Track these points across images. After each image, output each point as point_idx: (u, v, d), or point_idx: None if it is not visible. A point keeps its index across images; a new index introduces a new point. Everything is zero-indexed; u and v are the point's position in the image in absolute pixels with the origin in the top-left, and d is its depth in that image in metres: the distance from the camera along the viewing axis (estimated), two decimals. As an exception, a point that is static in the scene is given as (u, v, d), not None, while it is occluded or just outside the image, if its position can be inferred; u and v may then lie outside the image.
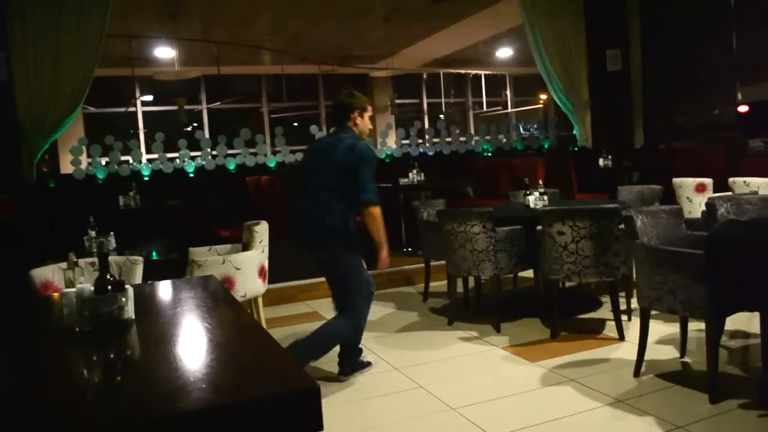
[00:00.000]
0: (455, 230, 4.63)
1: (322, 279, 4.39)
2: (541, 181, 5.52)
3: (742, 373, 3.54)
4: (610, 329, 4.35)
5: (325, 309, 5.16)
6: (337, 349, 3.79)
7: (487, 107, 15.21)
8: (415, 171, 7.06)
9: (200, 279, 2.66)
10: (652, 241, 3.58)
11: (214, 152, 7.50)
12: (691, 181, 6.06)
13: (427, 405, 3.37)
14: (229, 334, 1.75)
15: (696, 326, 3.84)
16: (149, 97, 12.84)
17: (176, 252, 4.74)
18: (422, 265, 5.75)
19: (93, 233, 4.13)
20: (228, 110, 13.63)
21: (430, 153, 8.45)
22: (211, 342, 1.71)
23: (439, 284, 5.78)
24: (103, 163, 6.97)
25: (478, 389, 3.53)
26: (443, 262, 5.08)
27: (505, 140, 8.92)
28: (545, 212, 4.35)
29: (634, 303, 3.92)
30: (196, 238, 5.38)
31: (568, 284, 5.61)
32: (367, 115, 3.76)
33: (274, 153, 7.87)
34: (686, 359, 3.73)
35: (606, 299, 4.94)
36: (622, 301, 4.64)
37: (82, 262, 2.91)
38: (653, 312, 4.48)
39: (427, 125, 13.32)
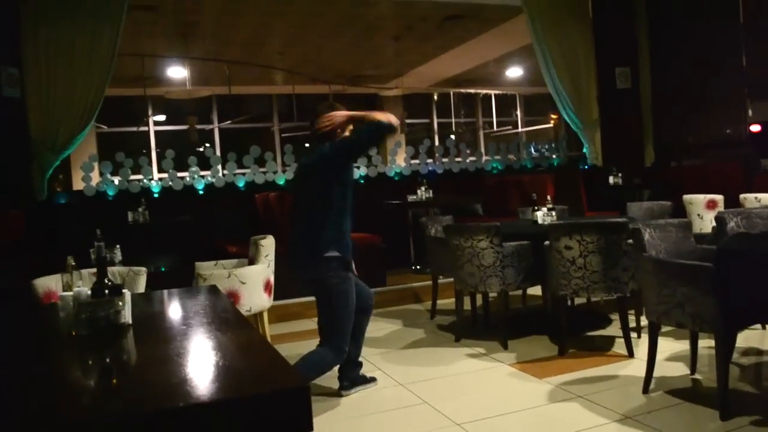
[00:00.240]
0: (462, 245, 4.60)
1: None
2: (549, 197, 5.49)
3: (754, 390, 3.46)
4: (620, 346, 4.27)
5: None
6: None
7: (497, 127, 15.23)
8: (423, 188, 7.06)
9: (199, 288, 2.64)
10: (661, 254, 3.53)
11: (224, 171, 7.54)
12: (701, 198, 6.01)
13: (431, 420, 3.32)
14: (222, 336, 1.73)
15: (707, 343, 3.77)
16: (162, 117, 12.98)
17: (182, 266, 4.73)
18: (430, 282, 5.71)
19: (105, 253, 4.13)
20: (239, 130, 13.74)
21: (439, 171, 8.45)
22: (204, 343, 1.69)
23: (447, 302, 5.74)
24: (116, 182, 7.02)
25: (484, 405, 3.47)
26: (451, 279, 5.04)
27: (515, 159, 8.92)
28: (552, 226, 4.32)
29: (644, 320, 3.85)
30: (203, 253, 5.38)
31: (577, 302, 5.57)
32: (350, 129, 3.50)
33: (284, 170, 7.90)
34: (697, 376, 3.66)
35: (616, 317, 4.87)
36: (632, 318, 4.59)
37: (85, 272, 2.91)
38: (664, 329, 4.45)
39: (437, 145, 13.34)
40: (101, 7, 6.42)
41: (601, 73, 8.48)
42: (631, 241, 3.91)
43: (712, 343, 3.25)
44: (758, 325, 4.37)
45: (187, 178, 7.35)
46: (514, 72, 13.39)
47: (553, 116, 14.14)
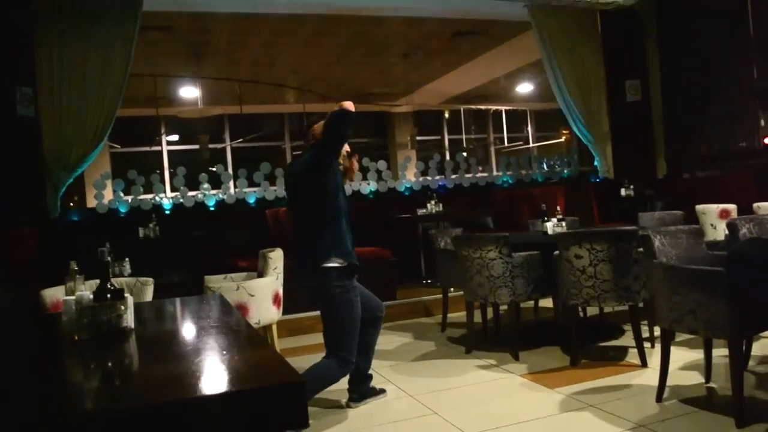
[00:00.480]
0: (471, 256, 4.57)
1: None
2: (559, 208, 5.46)
3: (771, 399, 3.39)
4: (633, 356, 4.21)
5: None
6: (347, 375, 3.70)
7: (508, 143, 15.21)
8: (433, 202, 7.05)
9: (204, 296, 2.64)
10: (671, 261, 3.48)
11: (235, 188, 7.58)
12: (714, 208, 5.94)
13: (441, 431, 3.27)
14: (221, 335, 1.72)
15: (722, 352, 3.70)
16: (175, 137, 13.10)
17: (192, 280, 4.74)
18: (441, 296, 5.67)
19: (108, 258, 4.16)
20: (251, 149, 13.82)
21: (450, 186, 8.44)
22: (203, 342, 1.68)
23: (458, 315, 5.69)
24: (128, 200, 7.07)
25: (494, 415, 3.42)
26: (462, 292, 5.00)
27: (525, 173, 8.90)
28: (561, 235, 4.28)
29: (658, 330, 3.79)
30: (214, 268, 5.39)
31: (590, 313, 5.51)
32: None
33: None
34: (712, 384, 3.59)
35: (629, 327, 4.81)
36: (646, 329, 4.53)
37: (92, 283, 2.92)
38: (678, 339, 4.40)
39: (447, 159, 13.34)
40: (114, 27, 6.52)
41: (611, 86, 8.46)
42: (642, 249, 3.87)
43: (726, 351, 3.19)
44: (774, 334, 4.29)
45: (199, 195, 7.40)
46: (525, 88, 13.41)
47: (565, 132, 14.12)
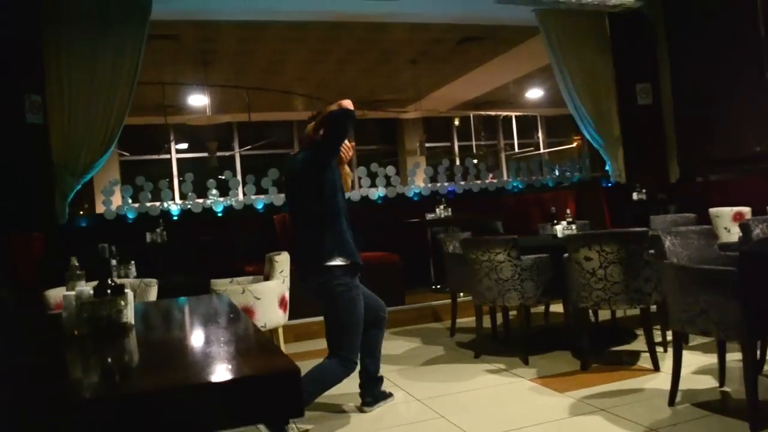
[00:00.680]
0: (479, 259, 4.52)
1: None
2: (569, 212, 5.40)
3: (787, 402, 3.31)
4: (645, 360, 4.14)
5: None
6: (357, 380, 3.66)
7: (519, 148, 15.16)
8: (442, 206, 7.00)
9: (207, 296, 2.62)
10: (682, 261, 3.42)
11: (243, 194, 7.58)
12: (728, 211, 5.86)
13: (448, 434, 3.22)
14: (221, 330, 1.70)
15: (737, 356, 3.62)
16: (184, 145, 13.15)
17: (197, 283, 4.71)
18: (450, 301, 5.61)
19: (114, 261, 4.16)
20: (260, 156, 13.85)
21: (459, 191, 8.39)
22: (202, 335, 1.66)
23: (467, 320, 5.64)
24: (137, 207, 7.09)
25: (502, 418, 3.37)
26: (471, 297, 4.95)
27: (535, 178, 8.85)
28: (571, 237, 4.23)
29: (671, 335, 3.72)
30: (221, 272, 5.37)
31: (601, 318, 5.44)
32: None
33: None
34: (726, 388, 3.51)
35: (641, 332, 4.73)
36: (659, 333, 4.46)
37: (94, 283, 2.90)
38: (692, 343, 4.32)
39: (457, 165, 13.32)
40: (122, 36, 6.54)
41: (621, 90, 8.39)
42: (653, 251, 3.80)
43: (741, 355, 3.12)
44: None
45: (207, 202, 7.40)
46: (535, 93, 13.34)
47: (577, 138, 14.05)
